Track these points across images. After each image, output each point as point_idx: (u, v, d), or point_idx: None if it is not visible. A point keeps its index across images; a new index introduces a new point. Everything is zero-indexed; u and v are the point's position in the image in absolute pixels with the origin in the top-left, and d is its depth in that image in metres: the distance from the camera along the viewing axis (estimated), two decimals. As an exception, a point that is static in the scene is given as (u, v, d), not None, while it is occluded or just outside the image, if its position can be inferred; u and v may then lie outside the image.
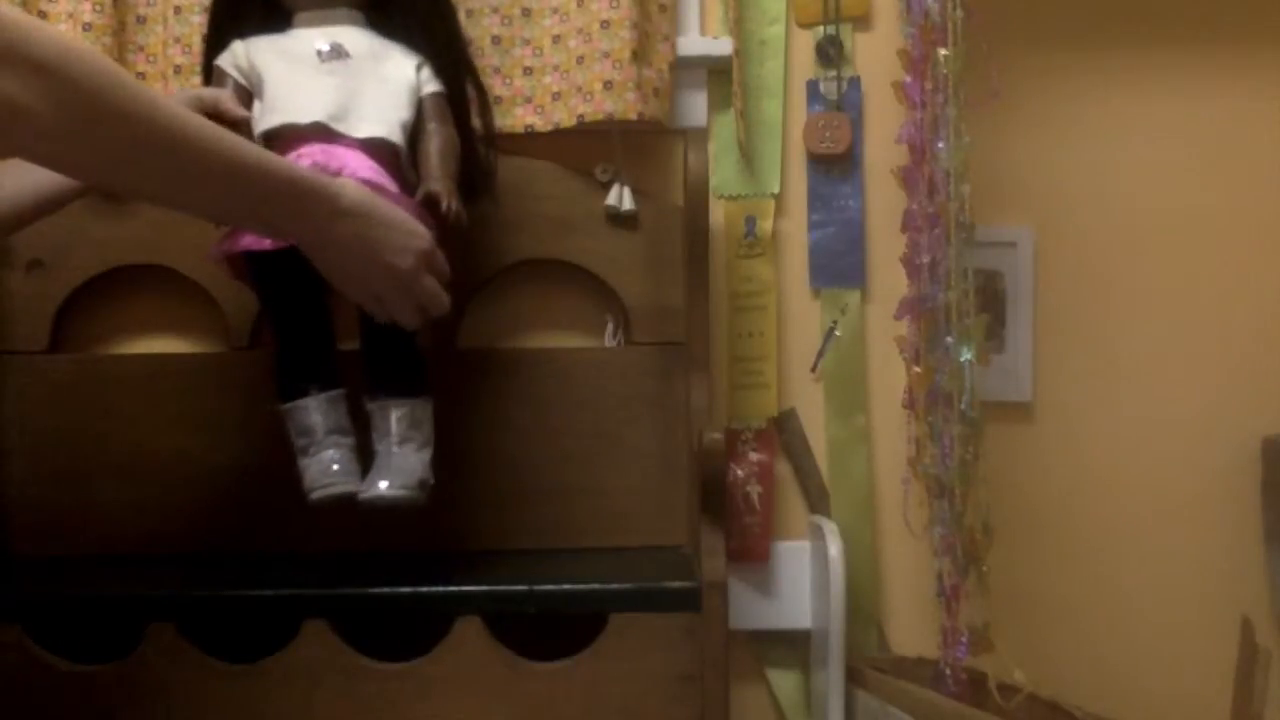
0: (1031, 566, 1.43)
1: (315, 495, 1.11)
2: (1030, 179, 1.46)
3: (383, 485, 1.10)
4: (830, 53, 1.44)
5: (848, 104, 1.44)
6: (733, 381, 1.44)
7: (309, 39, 1.16)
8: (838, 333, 1.45)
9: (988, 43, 1.30)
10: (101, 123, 0.83)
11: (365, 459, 1.14)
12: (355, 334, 1.18)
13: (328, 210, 1.00)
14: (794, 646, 1.43)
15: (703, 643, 1.11)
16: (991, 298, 1.44)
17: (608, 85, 1.32)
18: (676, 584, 1.14)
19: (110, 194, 1.30)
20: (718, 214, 1.43)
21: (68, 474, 1.35)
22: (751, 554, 1.42)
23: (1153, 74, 1.46)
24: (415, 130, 1.16)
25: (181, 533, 1.34)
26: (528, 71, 1.38)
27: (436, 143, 1.16)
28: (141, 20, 1.38)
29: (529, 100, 1.38)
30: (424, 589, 1.14)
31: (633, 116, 1.33)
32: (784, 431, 1.45)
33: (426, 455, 1.14)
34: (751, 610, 1.42)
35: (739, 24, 1.43)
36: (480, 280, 1.37)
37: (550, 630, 1.12)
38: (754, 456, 1.43)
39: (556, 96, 1.37)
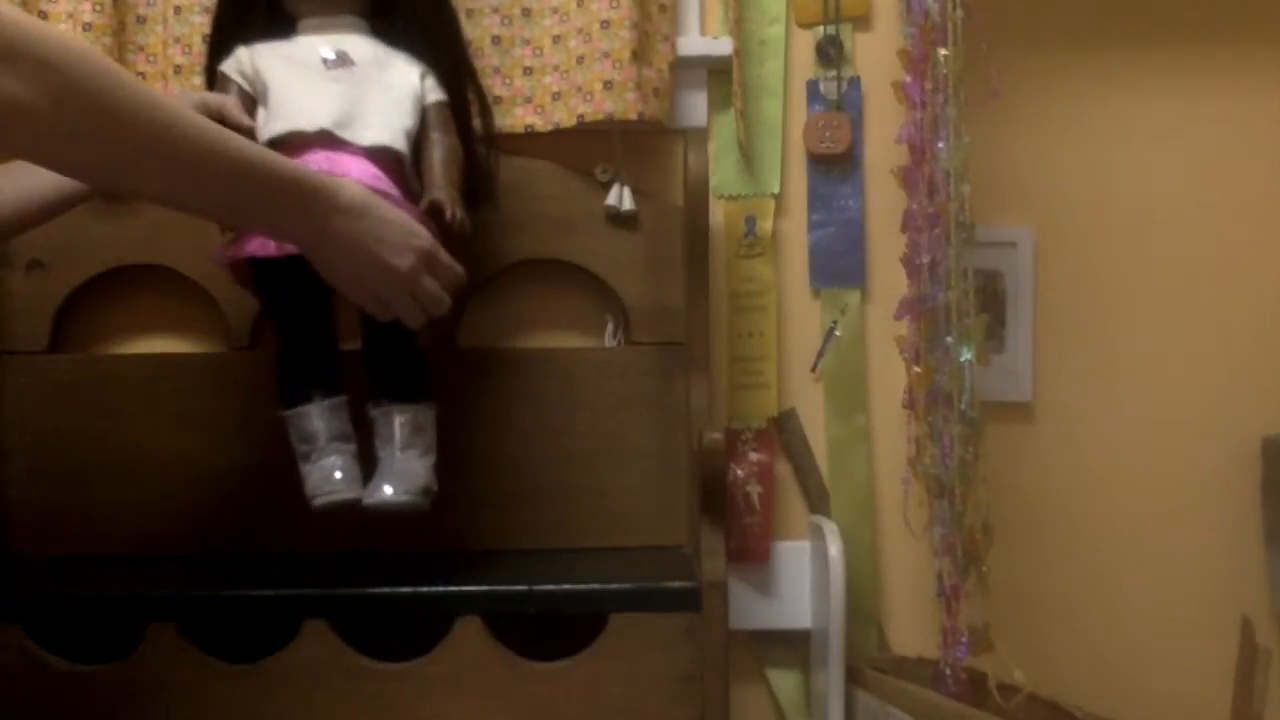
0: (1031, 566, 1.43)
1: (318, 502, 1.10)
2: (1030, 179, 1.46)
3: (388, 490, 1.10)
4: (830, 53, 1.44)
5: (848, 104, 1.44)
6: (733, 381, 1.44)
7: (314, 46, 1.16)
8: (838, 333, 1.45)
9: (988, 43, 1.30)
10: (103, 122, 0.83)
11: (366, 465, 1.13)
12: (357, 335, 1.17)
13: (327, 208, 1.00)
14: (794, 646, 1.43)
15: (703, 643, 1.11)
16: (991, 298, 1.44)
17: (608, 85, 1.32)
18: (676, 584, 1.14)
19: (111, 194, 1.30)
20: (718, 214, 1.43)
21: (68, 474, 1.35)
22: (751, 554, 1.42)
23: (1153, 74, 1.46)
24: (419, 139, 1.16)
25: (181, 533, 1.34)
26: (528, 71, 1.38)
27: (440, 152, 1.16)
28: (141, 20, 1.38)
29: (529, 100, 1.38)
30: (424, 589, 1.14)
31: (633, 116, 1.33)
32: (784, 431, 1.45)
33: (430, 461, 1.14)
34: (751, 610, 1.42)
35: (739, 24, 1.43)
36: (480, 280, 1.36)
37: (550, 630, 1.12)
38: (754, 456, 1.43)
39: (556, 96, 1.37)
